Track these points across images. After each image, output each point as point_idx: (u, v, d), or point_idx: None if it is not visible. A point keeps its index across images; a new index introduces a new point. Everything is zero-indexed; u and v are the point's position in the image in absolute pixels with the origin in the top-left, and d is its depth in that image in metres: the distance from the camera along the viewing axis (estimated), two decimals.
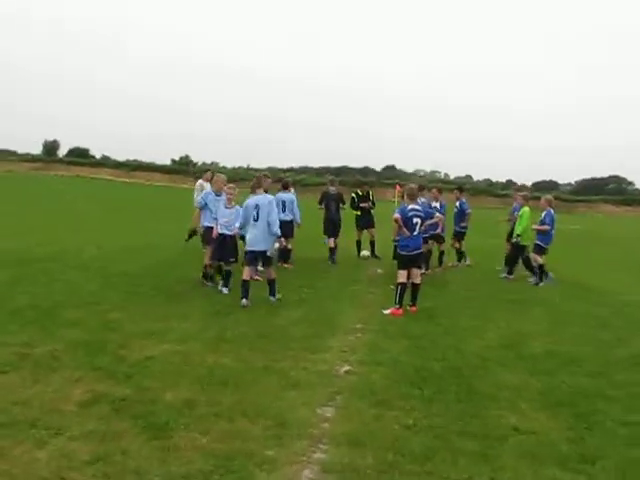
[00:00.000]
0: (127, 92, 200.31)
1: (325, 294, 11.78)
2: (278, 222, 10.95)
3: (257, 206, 10.75)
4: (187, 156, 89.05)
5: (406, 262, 10.75)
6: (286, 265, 14.82)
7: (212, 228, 11.72)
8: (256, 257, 10.94)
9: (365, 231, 17.65)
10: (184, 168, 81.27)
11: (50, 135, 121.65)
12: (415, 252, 10.75)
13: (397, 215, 10.69)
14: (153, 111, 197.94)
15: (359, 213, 17.65)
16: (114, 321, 8.85)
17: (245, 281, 10.56)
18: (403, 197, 12.81)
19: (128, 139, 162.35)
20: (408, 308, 10.69)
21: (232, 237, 11.39)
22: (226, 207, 11.38)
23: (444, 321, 10.08)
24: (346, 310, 10.53)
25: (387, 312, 10.45)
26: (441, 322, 10.01)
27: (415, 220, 10.69)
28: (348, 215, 17.64)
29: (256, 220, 10.73)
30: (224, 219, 11.32)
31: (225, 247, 11.33)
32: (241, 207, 11.16)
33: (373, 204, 17.78)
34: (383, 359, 7.81)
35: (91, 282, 11.49)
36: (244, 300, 10.40)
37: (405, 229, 10.61)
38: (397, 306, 10.51)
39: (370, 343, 8.56)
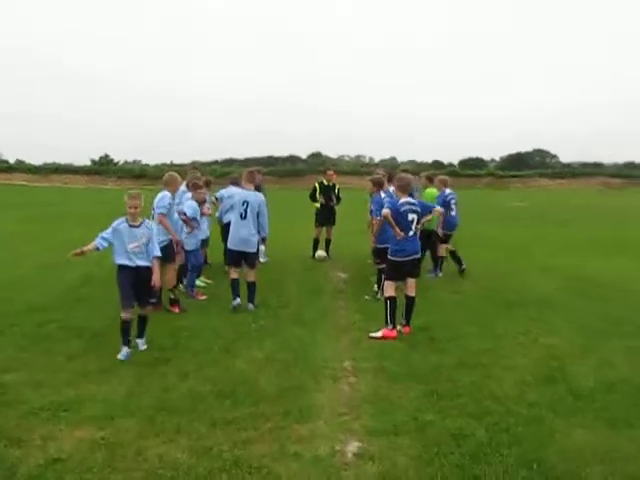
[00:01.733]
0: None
1: (287, 315, 9.38)
2: (267, 224, 10.16)
3: (246, 202, 9.87)
4: (107, 155, 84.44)
5: (399, 270, 8.42)
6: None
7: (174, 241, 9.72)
8: (241, 258, 9.99)
9: (323, 228, 15.29)
10: (104, 168, 77.11)
11: None
12: (411, 257, 8.42)
13: (386, 210, 8.36)
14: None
15: (318, 206, 15.17)
16: (7, 390, 6.23)
17: (234, 280, 9.90)
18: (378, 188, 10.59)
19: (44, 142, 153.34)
20: (400, 328, 8.40)
21: (148, 269, 7.54)
22: (131, 225, 7.47)
23: (450, 346, 7.82)
24: (322, 339, 8.13)
25: (376, 335, 8.15)
26: (447, 348, 7.75)
27: (410, 217, 8.37)
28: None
29: (244, 218, 9.85)
30: (133, 244, 7.43)
31: (140, 285, 7.47)
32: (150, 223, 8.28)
33: (338, 199, 15.29)
34: (400, 422, 5.50)
35: None
36: (237, 300, 9.78)
37: (398, 229, 8.31)
38: (389, 327, 8.21)
39: (372, 394, 6.20)
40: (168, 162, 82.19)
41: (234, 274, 9.91)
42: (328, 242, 15.26)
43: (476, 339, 8.12)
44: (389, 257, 8.50)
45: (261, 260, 10.34)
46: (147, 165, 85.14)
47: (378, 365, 7.04)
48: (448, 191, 12.95)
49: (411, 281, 8.50)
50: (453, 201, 12.94)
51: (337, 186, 15.37)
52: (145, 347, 7.68)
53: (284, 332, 8.40)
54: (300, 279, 12.37)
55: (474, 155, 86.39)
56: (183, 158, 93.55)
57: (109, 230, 7.40)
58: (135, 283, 7.40)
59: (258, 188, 14.35)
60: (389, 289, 8.37)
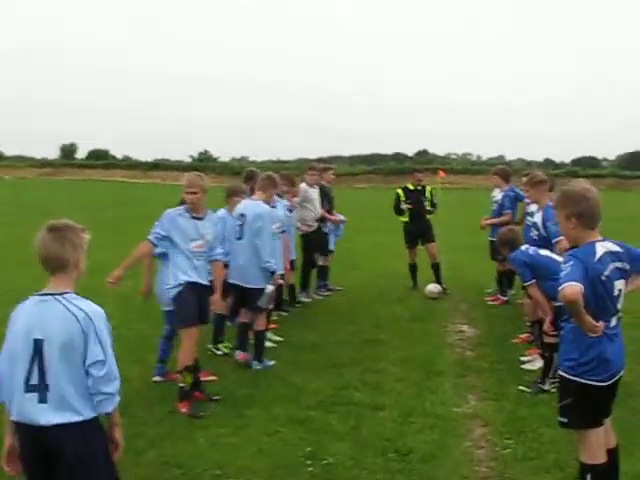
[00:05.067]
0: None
1: (375, 436, 5.21)
2: (269, 248, 6.97)
3: (243, 216, 6.90)
4: (206, 151, 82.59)
5: (597, 405, 3.78)
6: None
7: None
8: (242, 296, 6.99)
9: (422, 247, 11.07)
10: (204, 165, 75.29)
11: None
12: (616, 377, 3.79)
13: (574, 284, 3.43)
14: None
15: (407, 220, 10.99)
16: None
17: (242, 324, 7.16)
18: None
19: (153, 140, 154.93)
20: None
21: None
22: None
23: None
24: None
25: None
26: None
27: (617, 285, 3.72)
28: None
29: (239, 238, 6.91)
30: None
31: None
32: None
33: (433, 206, 11.02)
34: None
35: None
36: (239, 354, 7.06)
37: (590, 318, 3.54)
38: None
39: None
40: (275, 159, 79.22)
41: (243, 315, 7.12)
42: (436, 268, 10.92)
43: None
44: (570, 376, 3.75)
45: (263, 304, 6.93)
46: (254, 162, 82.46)
47: None
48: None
49: (608, 424, 3.94)
50: None
51: (429, 188, 11.13)
52: None
53: None
54: (400, 338, 8.06)
55: (586, 154, 79.64)
56: (288, 155, 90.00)
57: None
58: None
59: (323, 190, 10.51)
60: (595, 448, 3.74)
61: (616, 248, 3.70)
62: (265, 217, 6.89)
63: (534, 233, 6.93)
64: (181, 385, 5.72)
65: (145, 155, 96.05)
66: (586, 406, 3.70)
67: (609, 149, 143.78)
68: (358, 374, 6.65)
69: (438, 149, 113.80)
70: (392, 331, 8.36)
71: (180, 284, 5.74)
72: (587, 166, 67.22)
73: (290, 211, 8.96)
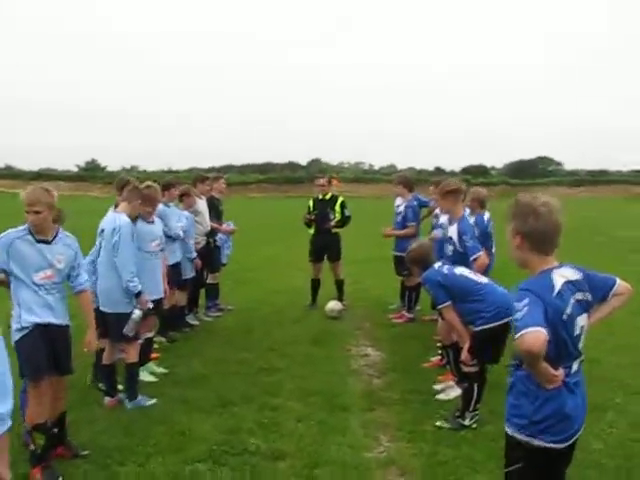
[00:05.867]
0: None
1: None
2: (133, 267, 5.87)
3: (103, 232, 5.97)
4: (94, 160, 79.29)
5: (553, 471, 3.03)
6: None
7: None
8: (107, 323, 5.96)
9: (322, 264, 10.22)
10: (92, 174, 72.15)
11: None
12: (575, 436, 3.05)
13: (538, 331, 2.64)
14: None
15: (313, 232, 10.12)
16: None
17: (106, 366, 6.11)
18: None
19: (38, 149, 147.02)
20: None
21: None
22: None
23: None
24: None
25: None
26: None
27: (580, 322, 2.96)
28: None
29: (100, 256, 6.01)
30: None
31: None
32: None
33: (345, 219, 10.03)
34: None
35: None
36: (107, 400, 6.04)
37: (549, 367, 2.82)
38: None
39: None
40: (166, 169, 76.85)
41: (107, 357, 6.07)
42: (339, 285, 10.15)
43: None
44: (519, 437, 2.97)
45: (128, 331, 5.91)
46: (144, 171, 79.92)
47: None
48: (488, 215, 8.01)
49: None
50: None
51: (341, 199, 10.14)
52: None
53: None
54: (300, 365, 7.19)
55: (475, 162, 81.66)
56: (181, 164, 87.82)
57: None
58: None
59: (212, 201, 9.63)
60: None
61: (576, 276, 2.96)
62: (123, 230, 5.83)
63: (449, 248, 6.23)
64: (32, 448, 4.59)
65: (31, 164, 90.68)
66: (540, 473, 2.95)
67: (495, 158, 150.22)
68: (253, 413, 5.75)
69: (331, 158, 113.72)
70: (290, 356, 7.49)
71: (24, 327, 4.51)
72: (477, 174, 68.72)
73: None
